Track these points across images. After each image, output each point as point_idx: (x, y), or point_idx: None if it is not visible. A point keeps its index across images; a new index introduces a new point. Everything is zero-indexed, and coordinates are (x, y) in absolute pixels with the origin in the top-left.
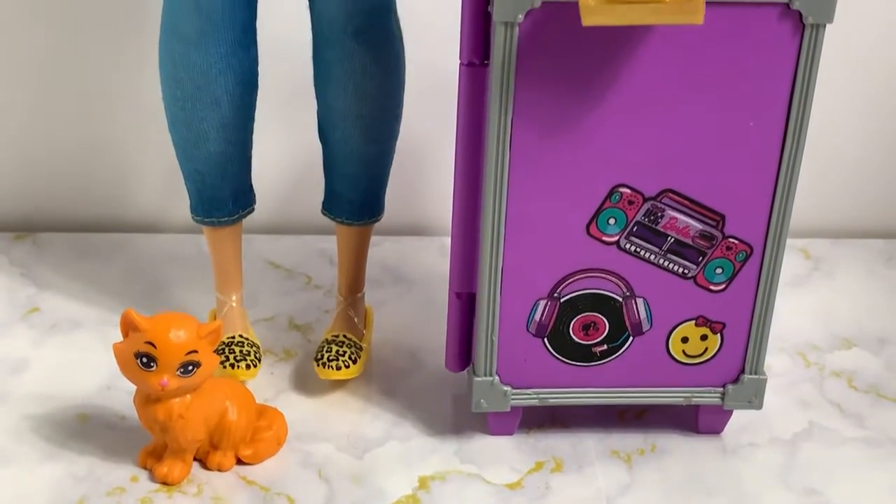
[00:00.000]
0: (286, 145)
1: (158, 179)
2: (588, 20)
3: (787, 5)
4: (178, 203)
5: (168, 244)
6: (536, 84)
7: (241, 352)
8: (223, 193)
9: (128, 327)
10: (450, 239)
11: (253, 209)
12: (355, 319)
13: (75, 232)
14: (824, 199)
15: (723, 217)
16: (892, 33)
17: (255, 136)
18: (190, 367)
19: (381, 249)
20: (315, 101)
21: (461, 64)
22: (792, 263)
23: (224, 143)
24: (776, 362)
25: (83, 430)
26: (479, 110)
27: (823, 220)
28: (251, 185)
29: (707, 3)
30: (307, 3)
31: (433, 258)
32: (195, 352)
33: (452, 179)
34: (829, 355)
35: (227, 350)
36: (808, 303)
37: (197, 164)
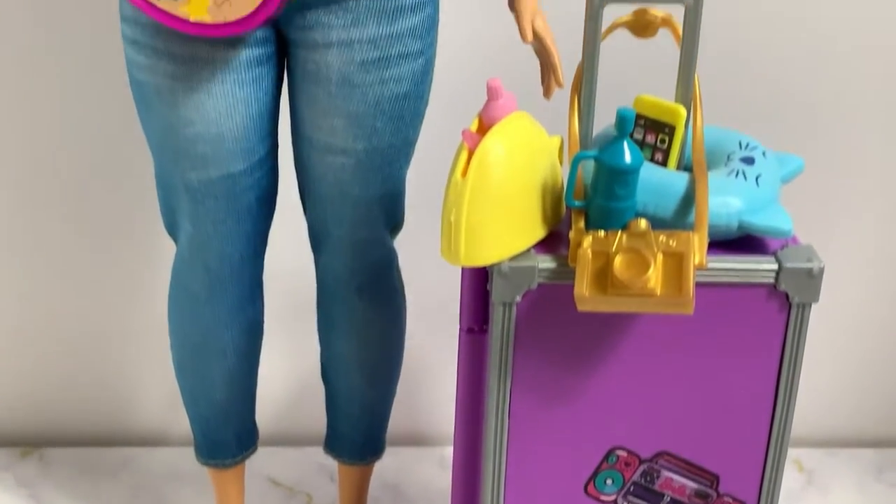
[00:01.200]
0: (287, 357)
1: (162, 393)
2: (583, 307)
3: (774, 286)
4: (181, 417)
5: (171, 459)
6: (534, 354)
7: None
8: (227, 436)
9: None
10: (451, 465)
11: (256, 448)
12: None
13: (81, 446)
14: (815, 408)
15: (717, 477)
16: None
17: None
18: None
19: (381, 463)
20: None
21: (461, 329)
22: (786, 477)
23: (229, 391)
24: None
25: None
26: (478, 373)
27: (814, 428)
28: (255, 424)
29: (697, 283)
30: (312, 257)
31: (433, 470)
32: None
33: (453, 440)
34: None
35: None
36: None
37: (202, 409)
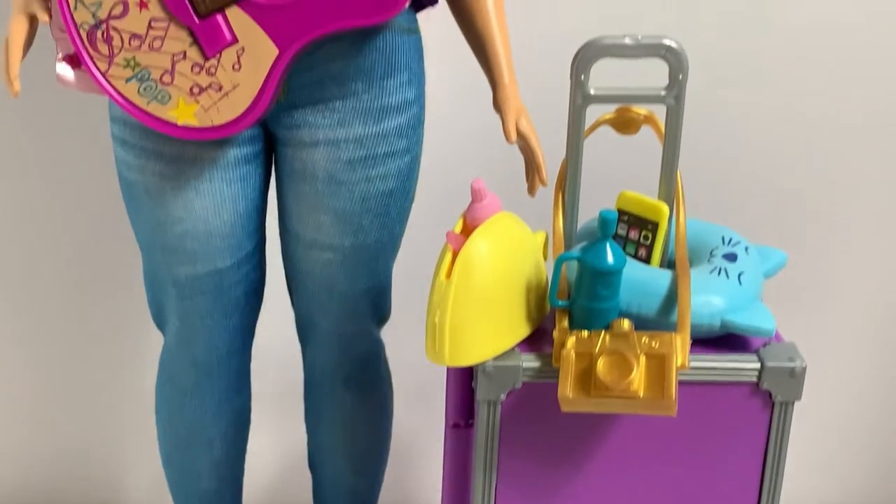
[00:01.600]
0: (274, 439)
1: (150, 471)
2: (566, 408)
3: (757, 385)
4: (169, 494)
5: None
6: (519, 451)
7: None
8: None
9: None
10: None
11: None
12: None
13: None
14: (804, 476)
15: None
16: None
17: None
18: None
19: None
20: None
21: (446, 425)
22: None
23: (217, 482)
24: None
25: None
26: (464, 468)
27: (805, 496)
28: None
29: (679, 382)
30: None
31: None
32: None
33: None
34: None
35: None
36: None
37: (190, 500)
